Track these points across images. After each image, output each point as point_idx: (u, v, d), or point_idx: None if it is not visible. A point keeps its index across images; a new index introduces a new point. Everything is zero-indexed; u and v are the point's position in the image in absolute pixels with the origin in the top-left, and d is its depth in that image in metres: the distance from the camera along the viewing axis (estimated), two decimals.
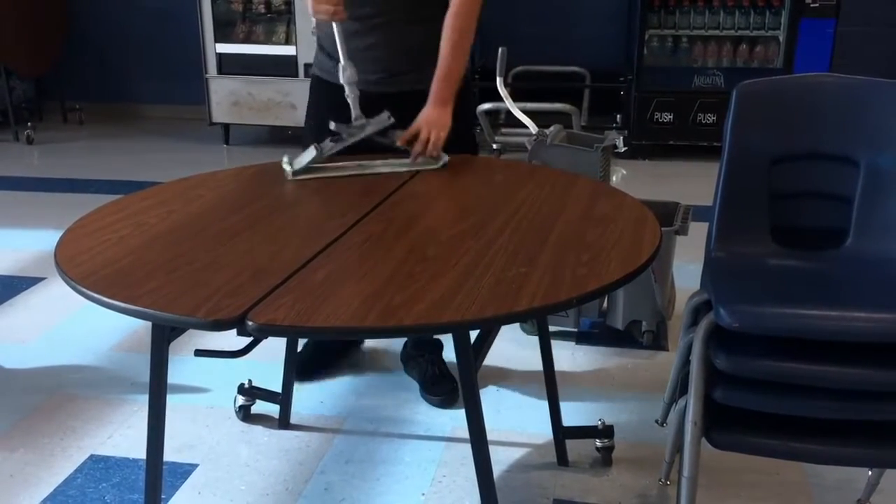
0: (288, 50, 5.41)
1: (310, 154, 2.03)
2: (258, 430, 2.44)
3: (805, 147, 1.99)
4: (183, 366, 2.69)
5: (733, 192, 1.98)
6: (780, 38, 5.08)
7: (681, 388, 1.96)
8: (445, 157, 2.12)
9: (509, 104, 3.30)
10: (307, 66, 5.35)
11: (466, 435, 1.61)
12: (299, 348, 2.51)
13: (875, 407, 1.70)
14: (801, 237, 1.98)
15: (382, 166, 2.09)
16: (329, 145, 2.04)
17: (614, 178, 3.02)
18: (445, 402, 2.55)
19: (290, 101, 5.44)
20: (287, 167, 2.04)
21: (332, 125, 2.07)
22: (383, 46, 2.28)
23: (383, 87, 2.27)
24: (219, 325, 1.30)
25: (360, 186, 1.99)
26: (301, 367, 2.57)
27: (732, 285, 1.82)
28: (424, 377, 2.62)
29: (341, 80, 2.11)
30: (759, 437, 1.78)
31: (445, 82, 2.21)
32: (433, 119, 2.17)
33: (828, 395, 1.69)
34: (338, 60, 2.12)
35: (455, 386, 2.55)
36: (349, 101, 2.11)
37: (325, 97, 2.34)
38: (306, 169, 2.04)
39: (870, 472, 2.09)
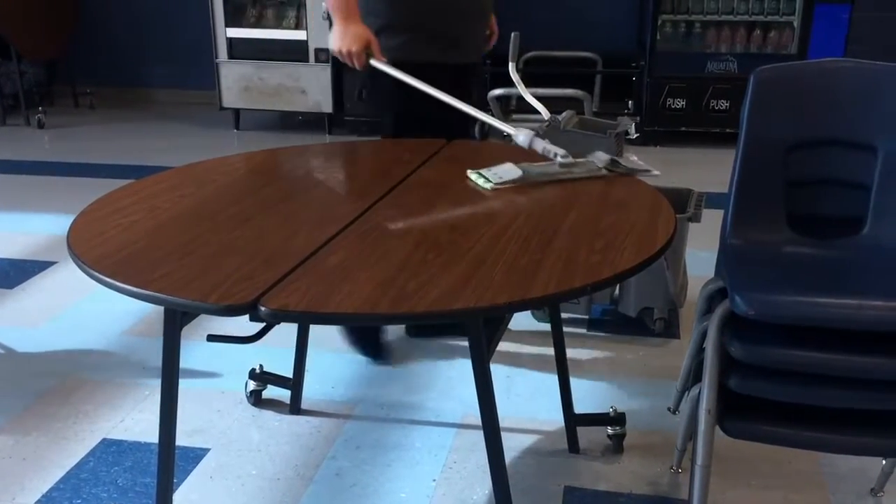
0: (298, 35, 5.40)
1: (513, 173, 1.83)
2: (269, 414, 2.45)
3: (823, 133, 1.97)
4: (194, 350, 2.70)
5: (749, 178, 1.96)
6: (795, 24, 5.04)
7: (694, 375, 1.95)
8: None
9: (521, 90, 3.27)
10: (318, 50, 5.34)
11: (477, 421, 1.61)
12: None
13: (891, 396, 1.68)
14: (818, 225, 1.96)
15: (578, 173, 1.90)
16: (536, 171, 1.84)
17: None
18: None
19: (300, 86, 5.43)
20: (483, 182, 1.80)
21: (552, 163, 1.89)
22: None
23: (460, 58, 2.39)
24: (231, 311, 1.29)
25: (372, 172, 1.98)
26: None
27: (748, 273, 1.80)
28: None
29: (521, 144, 1.96)
30: (772, 425, 1.77)
31: None
32: None
33: (843, 385, 1.67)
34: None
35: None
36: (545, 151, 1.94)
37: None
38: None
39: (883, 462, 2.08)
